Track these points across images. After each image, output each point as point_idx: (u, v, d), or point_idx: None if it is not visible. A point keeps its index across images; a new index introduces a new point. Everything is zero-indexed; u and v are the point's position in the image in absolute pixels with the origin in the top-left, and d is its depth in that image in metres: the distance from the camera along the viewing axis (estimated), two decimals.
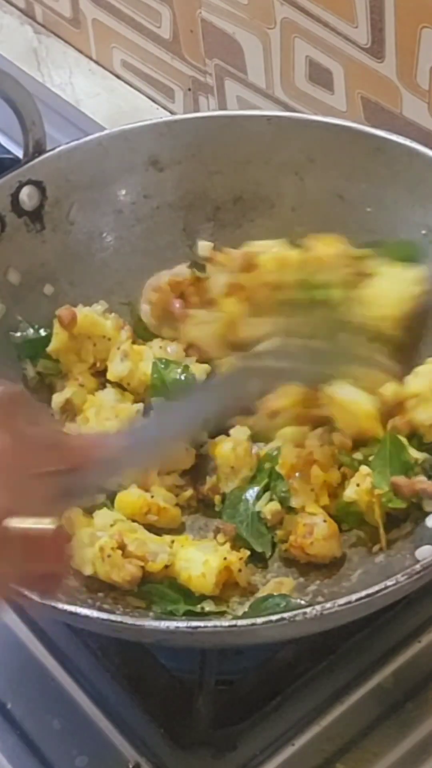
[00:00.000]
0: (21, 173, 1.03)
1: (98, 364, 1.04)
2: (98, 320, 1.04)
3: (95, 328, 1.04)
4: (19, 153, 1.06)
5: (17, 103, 0.99)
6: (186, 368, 1.01)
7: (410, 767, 0.85)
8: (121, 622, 0.78)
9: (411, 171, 0.99)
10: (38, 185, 1.03)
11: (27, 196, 1.02)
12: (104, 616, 0.79)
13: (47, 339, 1.03)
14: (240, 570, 0.91)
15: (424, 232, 1.00)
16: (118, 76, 1.47)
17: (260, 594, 0.90)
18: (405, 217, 1.01)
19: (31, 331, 1.04)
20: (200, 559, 0.90)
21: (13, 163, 1.05)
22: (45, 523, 0.67)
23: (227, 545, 0.92)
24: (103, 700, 0.89)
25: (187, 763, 0.85)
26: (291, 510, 0.94)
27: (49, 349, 1.03)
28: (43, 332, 1.04)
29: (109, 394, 1.02)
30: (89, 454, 0.75)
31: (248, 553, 0.93)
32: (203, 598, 0.90)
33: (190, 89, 1.36)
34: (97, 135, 1.06)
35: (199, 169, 1.07)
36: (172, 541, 0.92)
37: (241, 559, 0.91)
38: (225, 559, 0.90)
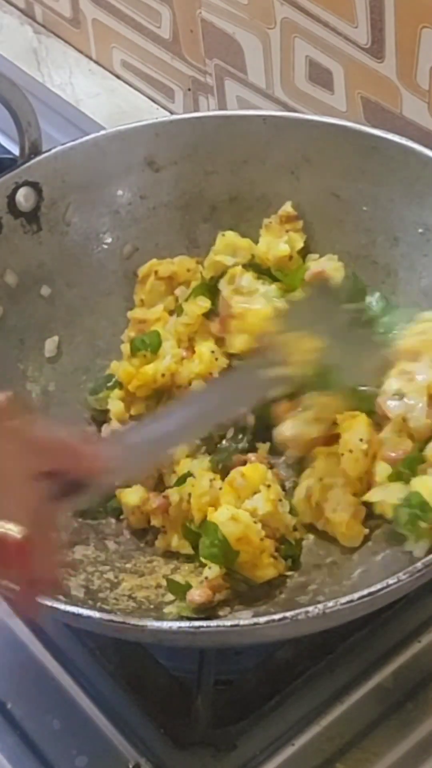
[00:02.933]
0: (17, 174, 1.03)
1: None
2: None
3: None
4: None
5: (13, 104, 0.99)
6: None
7: (410, 767, 0.85)
8: (122, 623, 0.78)
9: (407, 169, 0.99)
10: (35, 186, 1.03)
11: (23, 198, 1.02)
12: (106, 617, 0.80)
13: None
14: None
15: (420, 230, 1.00)
16: (118, 76, 1.47)
17: None
18: (401, 216, 1.01)
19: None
20: None
21: (13, 163, 1.05)
22: (12, 529, 0.66)
23: None
24: (103, 700, 0.89)
25: (187, 763, 0.85)
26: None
27: None
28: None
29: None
30: (90, 463, 0.74)
31: None
32: None
33: (189, 89, 1.36)
34: (93, 136, 1.06)
35: (195, 170, 1.07)
36: None
37: None
38: None
